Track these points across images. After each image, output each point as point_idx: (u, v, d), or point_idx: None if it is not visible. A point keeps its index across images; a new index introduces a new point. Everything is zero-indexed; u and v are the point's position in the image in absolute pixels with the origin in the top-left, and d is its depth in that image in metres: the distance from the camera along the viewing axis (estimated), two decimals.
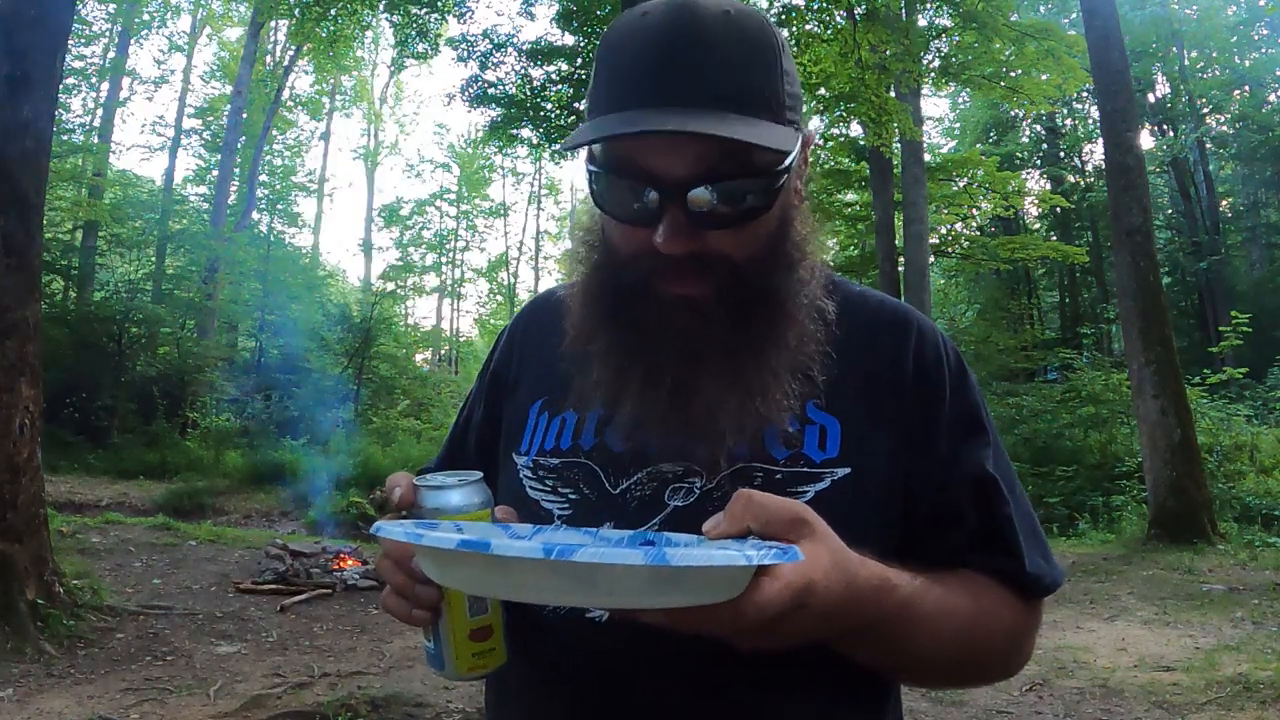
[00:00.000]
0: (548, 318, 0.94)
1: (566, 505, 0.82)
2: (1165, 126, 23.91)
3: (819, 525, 0.62)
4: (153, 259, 21.06)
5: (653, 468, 0.79)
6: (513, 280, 36.02)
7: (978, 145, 22.28)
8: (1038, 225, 24.92)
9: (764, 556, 0.54)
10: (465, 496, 0.70)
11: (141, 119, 69.80)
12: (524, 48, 13.12)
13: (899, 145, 14.34)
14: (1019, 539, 0.79)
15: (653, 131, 0.69)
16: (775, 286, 0.76)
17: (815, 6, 10.59)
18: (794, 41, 10.52)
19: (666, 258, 0.73)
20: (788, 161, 0.74)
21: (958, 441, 0.81)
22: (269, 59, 24.90)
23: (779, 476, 0.76)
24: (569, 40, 12.98)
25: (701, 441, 0.75)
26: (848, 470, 0.77)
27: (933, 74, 14.24)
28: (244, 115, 20.98)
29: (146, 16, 23.80)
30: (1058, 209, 20.61)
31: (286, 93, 24.58)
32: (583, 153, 0.79)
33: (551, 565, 0.50)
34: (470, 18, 13.31)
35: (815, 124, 17.83)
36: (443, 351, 33.46)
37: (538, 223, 38.92)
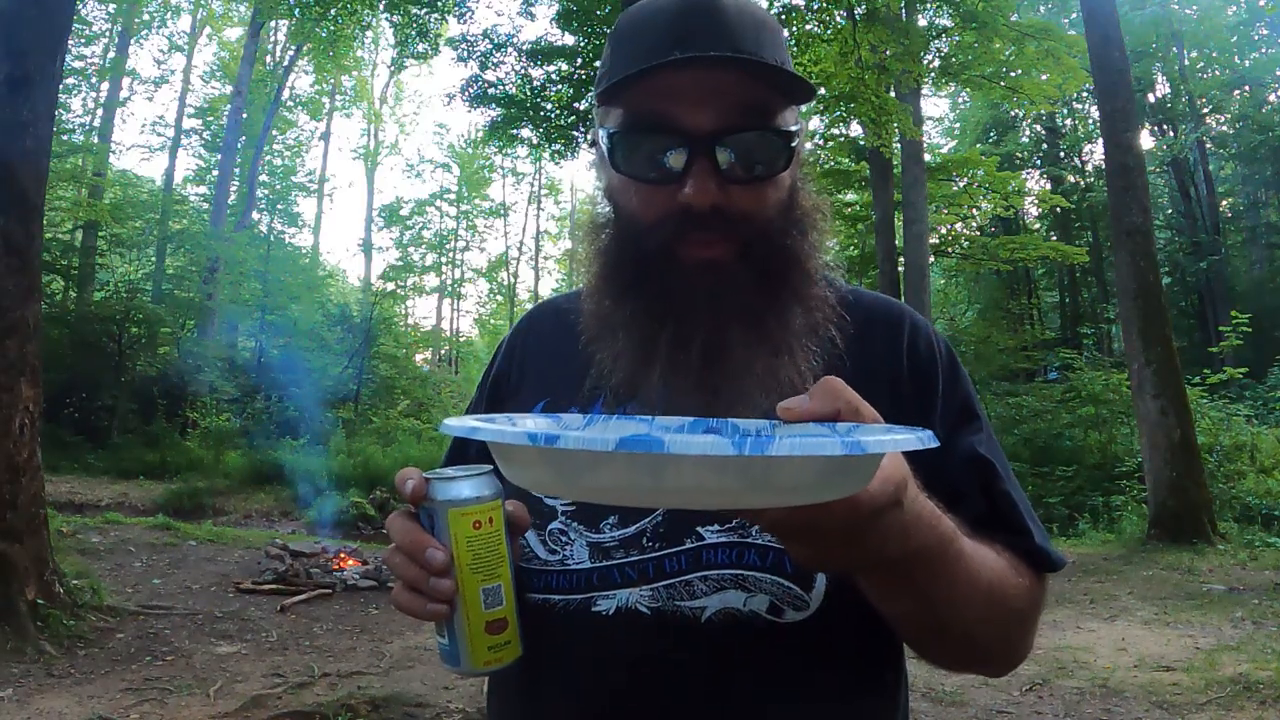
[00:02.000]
0: (548, 325, 0.95)
1: (570, 501, 0.82)
2: (1165, 126, 23.91)
3: None
4: (153, 259, 21.07)
5: None
6: (513, 280, 36.04)
7: (978, 145, 22.28)
8: (1038, 225, 24.91)
9: (930, 438, 0.50)
10: (477, 488, 0.70)
11: (141, 119, 69.72)
12: (524, 48, 13.11)
13: (899, 145, 14.34)
14: (1022, 514, 0.80)
15: (700, 58, 0.71)
16: (794, 246, 0.78)
17: (815, 6, 10.58)
18: (794, 41, 10.51)
19: (691, 215, 0.74)
20: (798, 127, 0.78)
21: (952, 429, 0.82)
22: (269, 59, 24.90)
23: None
24: (569, 40, 12.97)
25: (733, 405, 0.74)
26: None
27: (933, 74, 14.24)
28: (244, 115, 20.97)
29: (146, 16, 23.81)
30: (1058, 209, 20.61)
31: (286, 93, 24.60)
32: (584, 154, 0.79)
33: (722, 463, 0.45)
34: (470, 18, 13.28)
35: (815, 124, 17.84)
36: (443, 351, 33.46)
37: (538, 223, 38.92)
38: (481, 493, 0.70)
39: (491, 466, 0.72)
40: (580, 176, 43.40)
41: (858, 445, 0.46)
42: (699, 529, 0.77)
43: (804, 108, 0.82)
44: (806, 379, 0.76)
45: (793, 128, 0.77)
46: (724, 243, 0.75)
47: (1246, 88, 22.96)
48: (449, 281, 35.86)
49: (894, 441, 0.49)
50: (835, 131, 16.46)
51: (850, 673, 0.77)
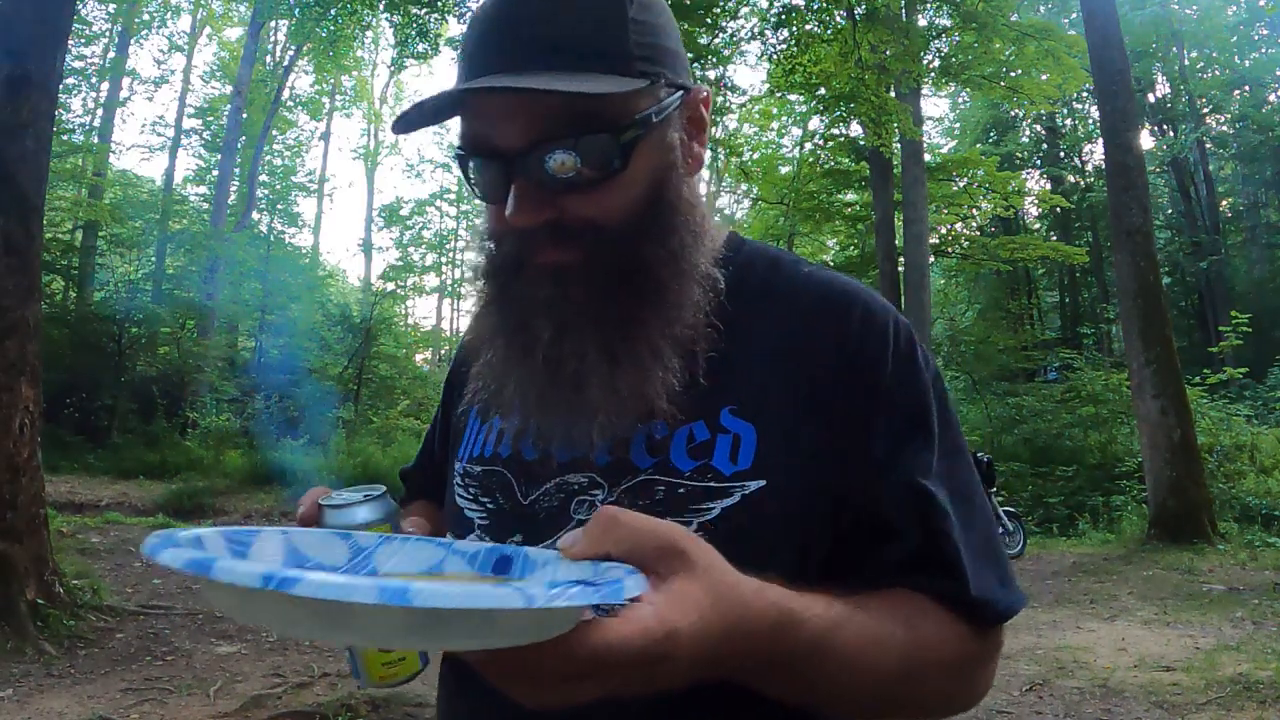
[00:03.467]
0: None
1: (485, 515, 0.79)
2: (1165, 126, 23.94)
3: (700, 557, 0.52)
4: (153, 259, 21.06)
5: (561, 478, 0.74)
6: None
7: (978, 145, 22.29)
8: (1038, 225, 24.95)
9: (557, 597, 0.42)
10: (369, 512, 0.72)
11: (141, 119, 69.74)
12: None
13: (899, 145, 14.34)
14: (961, 558, 0.68)
15: (454, 92, 0.66)
16: (646, 252, 0.70)
17: (815, 6, 10.59)
18: (794, 41, 10.53)
19: (527, 232, 0.69)
20: (639, 116, 0.69)
21: (896, 446, 0.70)
22: (269, 59, 24.90)
23: (682, 491, 0.69)
24: None
25: (577, 420, 0.69)
26: (761, 483, 0.69)
27: (933, 74, 14.24)
28: (244, 115, 20.98)
29: (146, 16, 23.80)
30: (1058, 209, 20.62)
31: (286, 93, 24.59)
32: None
33: (286, 597, 0.39)
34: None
35: (815, 124, 17.85)
36: (443, 351, 33.46)
37: None
38: (370, 518, 0.72)
39: (383, 489, 0.75)
40: None
41: (404, 596, 0.39)
42: None
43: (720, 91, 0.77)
44: (660, 393, 0.69)
45: (632, 119, 0.68)
46: (567, 251, 0.69)
47: (1246, 88, 23.00)
48: (449, 281, 35.86)
49: (468, 594, 0.40)
50: (835, 131, 16.48)
51: None
